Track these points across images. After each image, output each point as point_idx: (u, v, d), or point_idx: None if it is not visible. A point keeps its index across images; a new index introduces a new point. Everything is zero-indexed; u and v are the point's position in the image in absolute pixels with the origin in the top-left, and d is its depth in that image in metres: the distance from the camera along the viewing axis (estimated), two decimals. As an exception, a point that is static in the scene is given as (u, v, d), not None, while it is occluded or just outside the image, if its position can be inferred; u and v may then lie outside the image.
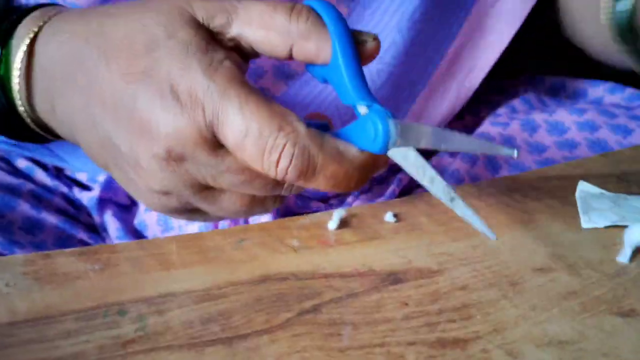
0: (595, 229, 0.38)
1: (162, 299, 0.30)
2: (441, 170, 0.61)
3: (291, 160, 0.29)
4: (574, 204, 0.40)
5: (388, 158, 0.30)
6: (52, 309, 0.29)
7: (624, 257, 0.35)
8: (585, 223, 0.38)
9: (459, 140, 0.30)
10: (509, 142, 0.63)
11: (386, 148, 0.29)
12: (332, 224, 0.37)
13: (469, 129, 0.66)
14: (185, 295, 0.31)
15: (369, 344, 0.28)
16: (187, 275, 0.32)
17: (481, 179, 0.51)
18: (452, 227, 0.38)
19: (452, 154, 0.61)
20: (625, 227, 0.36)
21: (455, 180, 0.57)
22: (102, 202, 0.51)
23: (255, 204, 0.32)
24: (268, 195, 0.32)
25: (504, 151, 0.29)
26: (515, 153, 0.28)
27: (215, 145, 0.30)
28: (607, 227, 0.38)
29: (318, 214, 0.38)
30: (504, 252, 0.35)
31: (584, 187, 0.42)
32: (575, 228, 0.38)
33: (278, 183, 0.31)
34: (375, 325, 0.29)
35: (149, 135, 0.29)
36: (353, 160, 0.30)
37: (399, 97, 0.55)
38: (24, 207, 0.46)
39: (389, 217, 0.38)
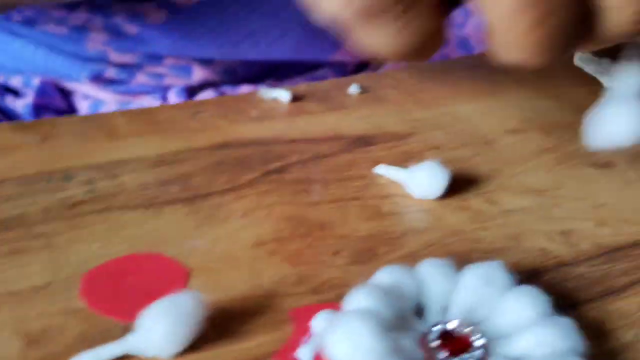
0: (569, 93, 0.37)
1: (112, 165, 0.28)
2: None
3: None
4: (540, 76, 0.39)
5: None
6: (-13, 177, 0.26)
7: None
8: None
9: None
10: (464, 43, 0.61)
11: None
12: (284, 97, 0.34)
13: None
14: (138, 161, 0.28)
15: (342, 198, 0.26)
16: (138, 144, 0.29)
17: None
18: (420, 97, 0.36)
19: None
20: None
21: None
22: (38, 109, 0.48)
23: None
24: None
25: None
26: None
27: None
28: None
29: (276, 89, 0.36)
30: (475, 118, 0.34)
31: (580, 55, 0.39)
32: (545, 94, 0.37)
33: None
34: (348, 182, 0.27)
35: None
36: None
37: None
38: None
39: (353, 88, 0.36)
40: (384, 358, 0.17)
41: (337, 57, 0.55)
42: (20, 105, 0.47)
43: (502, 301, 0.19)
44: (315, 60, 0.55)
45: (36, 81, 0.47)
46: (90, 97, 0.54)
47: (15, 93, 0.49)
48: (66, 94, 0.56)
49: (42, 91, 0.47)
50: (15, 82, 0.48)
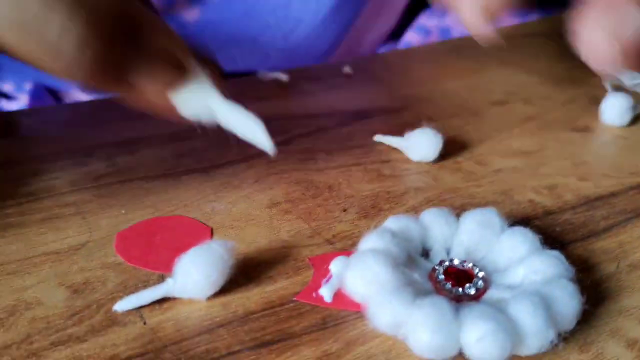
0: (547, 68, 0.39)
1: (130, 142, 0.29)
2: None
3: None
4: (520, 54, 0.42)
5: None
6: (12, 156, 0.28)
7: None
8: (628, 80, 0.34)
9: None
10: (446, 33, 0.63)
11: None
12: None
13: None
14: (153, 138, 0.30)
15: (345, 164, 0.28)
16: (151, 123, 0.31)
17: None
18: (409, 76, 0.38)
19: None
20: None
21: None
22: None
23: None
24: None
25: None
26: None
27: None
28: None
29: (274, 71, 0.38)
30: (462, 93, 0.36)
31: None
32: (525, 70, 0.39)
33: None
34: (349, 150, 0.30)
35: None
36: None
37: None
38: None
39: (346, 69, 0.38)
40: (397, 289, 0.19)
41: None
42: (14, 108, 0.49)
43: (498, 241, 0.22)
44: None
45: (27, 86, 0.49)
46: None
47: (7, 97, 0.51)
48: (58, 99, 0.57)
49: (34, 95, 0.49)
50: (6, 87, 0.50)
